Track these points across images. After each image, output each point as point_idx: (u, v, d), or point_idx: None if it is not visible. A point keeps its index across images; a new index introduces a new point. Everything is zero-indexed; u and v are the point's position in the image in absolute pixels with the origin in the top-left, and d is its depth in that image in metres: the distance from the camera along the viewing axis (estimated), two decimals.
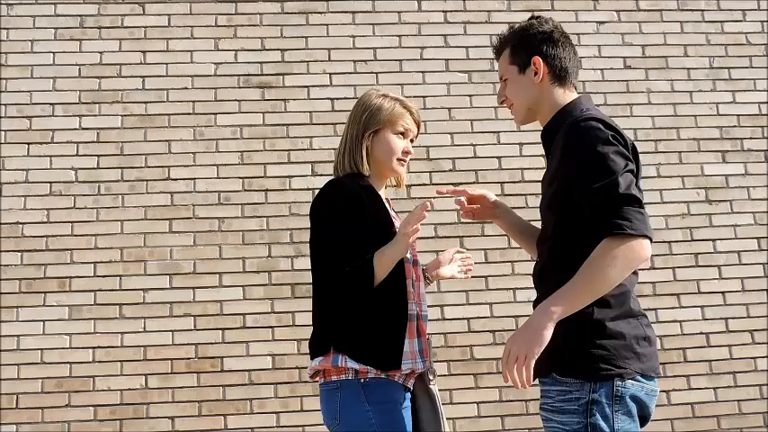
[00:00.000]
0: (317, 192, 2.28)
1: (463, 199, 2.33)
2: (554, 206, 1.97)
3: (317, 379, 2.21)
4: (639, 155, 2.00)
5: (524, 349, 1.78)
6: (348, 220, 2.14)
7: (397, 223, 2.26)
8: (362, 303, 2.11)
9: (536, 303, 2.05)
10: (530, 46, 2.11)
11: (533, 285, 2.11)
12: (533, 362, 1.79)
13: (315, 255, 2.20)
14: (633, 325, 1.90)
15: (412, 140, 2.38)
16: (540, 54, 2.09)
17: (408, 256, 2.25)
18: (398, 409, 2.11)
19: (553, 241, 1.99)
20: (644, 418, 1.91)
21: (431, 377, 2.26)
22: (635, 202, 1.82)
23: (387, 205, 2.32)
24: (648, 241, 1.81)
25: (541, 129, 2.13)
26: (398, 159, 2.31)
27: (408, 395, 2.22)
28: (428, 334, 2.28)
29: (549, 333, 1.79)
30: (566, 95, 2.10)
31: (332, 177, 2.30)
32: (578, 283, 1.80)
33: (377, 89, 2.45)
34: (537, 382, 1.97)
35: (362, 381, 2.08)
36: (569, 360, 1.87)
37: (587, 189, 1.84)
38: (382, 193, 2.36)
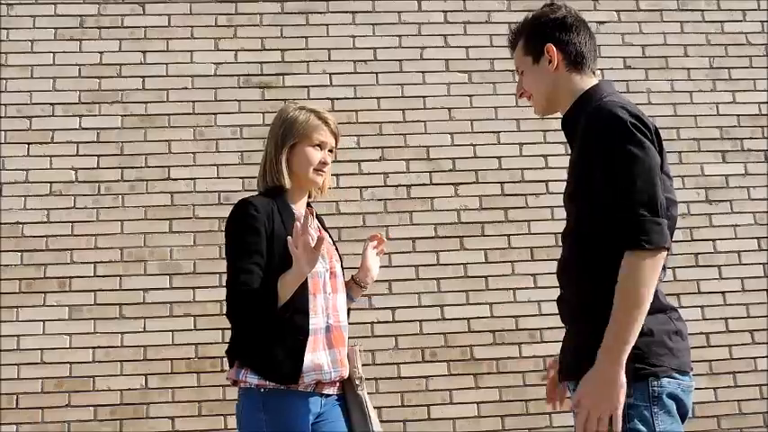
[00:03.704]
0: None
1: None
2: (575, 198, 1.92)
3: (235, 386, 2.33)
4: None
5: (609, 408, 1.71)
6: (252, 241, 2.24)
7: (314, 234, 2.34)
8: (263, 323, 2.22)
9: (559, 301, 2.04)
10: (542, 34, 2.05)
11: (557, 282, 2.05)
12: (621, 414, 1.72)
13: (227, 272, 2.30)
14: (662, 320, 1.83)
15: (331, 151, 2.45)
16: (553, 41, 2.03)
17: (322, 269, 2.33)
18: (297, 419, 2.22)
19: (574, 237, 1.94)
20: (683, 416, 1.84)
21: (357, 383, 2.37)
22: (653, 212, 1.76)
23: (303, 220, 2.37)
24: (665, 252, 1.78)
25: (561, 118, 2.08)
26: (315, 170, 2.39)
27: (331, 403, 2.33)
28: (361, 340, 2.40)
29: (623, 379, 1.71)
30: (584, 81, 2.03)
31: (242, 198, 2.36)
32: (621, 317, 1.74)
33: (295, 102, 2.51)
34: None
35: (262, 390, 2.21)
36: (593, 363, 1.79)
37: (606, 193, 1.80)
38: (301, 205, 2.44)
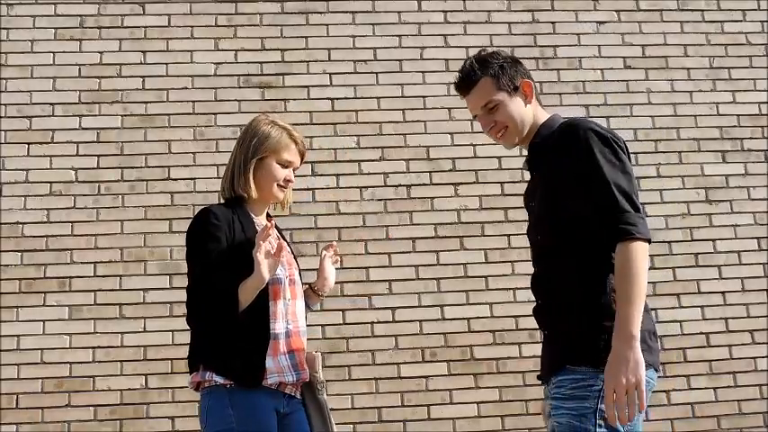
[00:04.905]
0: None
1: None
2: (552, 211, 2.07)
3: (197, 390, 2.37)
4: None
5: (632, 379, 1.82)
6: (213, 248, 2.30)
7: (274, 242, 2.38)
8: (225, 328, 2.28)
9: (537, 311, 2.18)
10: (511, 72, 2.21)
11: (533, 295, 2.19)
12: (644, 384, 1.84)
13: (187, 275, 2.36)
14: (644, 318, 1.93)
15: (295, 168, 2.53)
16: (524, 77, 2.22)
17: (282, 276, 2.40)
18: (263, 415, 2.28)
19: (551, 252, 2.08)
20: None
21: (319, 387, 2.46)
22: (636, 211, 1.96)
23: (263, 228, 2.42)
24: (648, 244, 1.96)
25: (524, 147, 2.26)
26: (279, 186, 2.47)
27: (294, 404, 2.40)
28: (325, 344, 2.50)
29: (639, 353, 1.84)
30: (544, 114, 2.26)
31: (204, 206, 2.42)
32: (626, 297, 1.88)
33: (266, 115, 2.57)
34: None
35: (228, 387, 2.26)
36: (585, 350, 1.93)
37: (596, 194, 1.97)
38: (262, 216, 2.51)
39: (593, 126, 2.05)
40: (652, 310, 4.05)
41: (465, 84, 2.26)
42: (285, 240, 2.56)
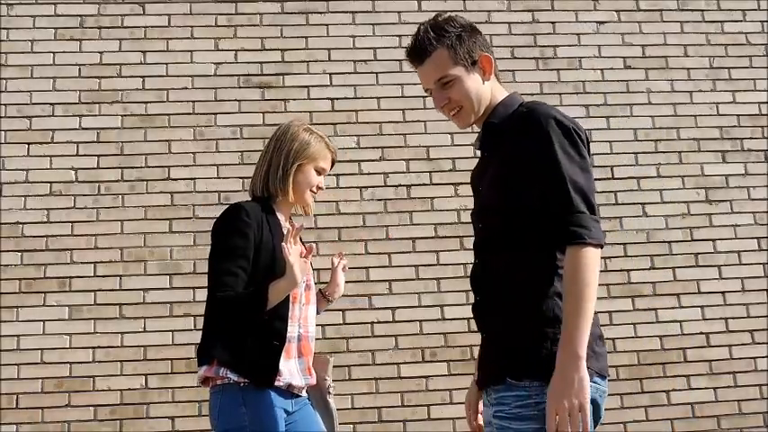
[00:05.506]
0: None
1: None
2: (499, 202, 1.89)
3: (206, 386, 2.38)
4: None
5: (576, 401, 1.68)
6: (241, 245, 2.32)
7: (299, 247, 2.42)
8: (245, 326, 2.30)
9: (476, 308, 2.02)
10: (469, 43, 1.99)
11: (471, 288, 2.03)
12: (588, 409, 1.69)
13: (210, 272, 2.35)
14: (591, 323, 1.79)
15: (324, 176, 2.62)
16: (483, 50, 2.00)
17: (301, 281, 2.41)
18: (274, 413, 2.29)
19: (494, 243, 1.91)
20: (596, 421, 1.81)
21: (330, 391, 2.53)
22: (591, 211, 1.79)
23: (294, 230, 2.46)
24: (600, 249, 1.78)
25: (478, 127, 2.05)
26: (311, 191, 2.54)
27: (303, 403, 2.44)
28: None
29: (585, 372, 1.70)
30: (502, 91, 2.04)
31: (235, 202, 2.45)
32: (573, 308, 1.72)
33: (300, 120, 2.64)
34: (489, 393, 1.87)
35: (242, 385, 2.28)
36: (527, 362, 1.78)
37: (549, 189, 1.80)
38: (287, 218, 2.56)
39: (555, 114, 1.85)
40: (652, 310, 4.10)
41: (417, 54, 2.04)
42: (303, 244, 2.59)
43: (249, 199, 2.53)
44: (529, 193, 1.82)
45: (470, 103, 1.98)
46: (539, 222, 1.81)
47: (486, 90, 2.00)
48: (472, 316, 2.06)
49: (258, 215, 2.38)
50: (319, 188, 2.56)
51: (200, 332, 2.42)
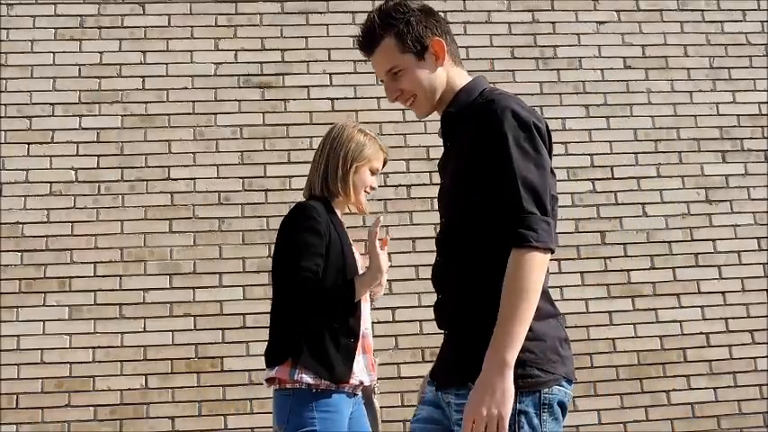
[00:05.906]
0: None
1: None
2: (457, 196, 1.80)
3: (272, 385, 2.38)
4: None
5: (495, 411, 1.59)
6: (316, 243, 2.36)
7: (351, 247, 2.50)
8: (323, 325, 2.33)
9: (437, 306, 1.94)
10: (418, 29, 1.86)
11: (433, 287, 1.93)
12: (507, 423, 1.60)
13: (284, 268, 2.36)
14: (554, 326, 1.74)
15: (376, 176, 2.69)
16: (435, 34, 1.86)
17: None
18: (342, 417, 2.33)
19: (454, 237, 1.81)
20: (558, 423, 1.73)
21: (376, 391, 2.57)
22: (542, 212, 1.67)
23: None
24: (551, 253, 1.68)
25: (440, 115, 1.92)
26: (365, 192, 2.59)
27: (359, 402, 2.47)
28: (375, 350, 2.54)
29: (511, 383, 1.60)
30: (463, 75, 1.91)
31: (301, 200, 2.52)
32: (508, 313, 1.62)
33: (353, 121, 2.72)
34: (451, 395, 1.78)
35: (314, 390, 2.30)
36: None
37: (496, 188, 1.69)
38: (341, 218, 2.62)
39: (513, 106, 1.72)
40: (652, 310, 4.10)
41: (366, 44, 1.94)
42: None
43: (305, 198, 2.57)
44: (485, 189, 1.71)
45: (423, 90, 1.87)
46: (498, 219, 1.69)
47: (439, 77, 1.87)
48: (433, 313, 1.99)
49: (325, 215, 2.43)
50: (372, 188, 2.61)
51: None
